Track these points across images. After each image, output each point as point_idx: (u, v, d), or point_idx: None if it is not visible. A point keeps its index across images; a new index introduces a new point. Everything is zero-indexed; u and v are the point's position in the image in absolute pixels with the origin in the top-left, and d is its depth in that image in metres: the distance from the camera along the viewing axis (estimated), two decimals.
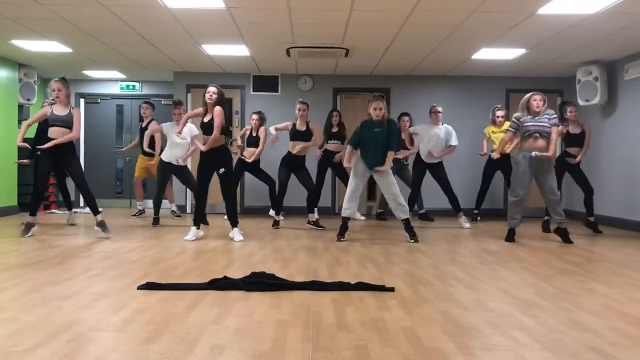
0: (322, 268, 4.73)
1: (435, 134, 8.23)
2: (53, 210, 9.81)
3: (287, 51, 8.02)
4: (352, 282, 4.06)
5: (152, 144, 8.31)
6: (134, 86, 11.01)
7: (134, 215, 8.94)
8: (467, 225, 7.81)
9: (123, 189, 11.22)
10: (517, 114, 6.45)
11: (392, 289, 3.89)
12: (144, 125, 8.62)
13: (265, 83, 9.97)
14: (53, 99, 6.49)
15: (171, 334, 2.85)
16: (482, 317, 3.25)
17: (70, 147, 6.37)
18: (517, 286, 4.13)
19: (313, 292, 3.80)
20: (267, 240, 6.44)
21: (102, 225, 6.38)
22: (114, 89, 11.01)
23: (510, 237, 6.50)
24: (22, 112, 9.60)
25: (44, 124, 6.61)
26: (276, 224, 7.65)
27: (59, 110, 6.34)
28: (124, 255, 5.29)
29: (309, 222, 7.57)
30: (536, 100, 6.29)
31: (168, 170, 7.88)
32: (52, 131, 6.32)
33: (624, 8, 5.74)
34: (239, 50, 8.08)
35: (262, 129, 8.22)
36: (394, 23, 6.48)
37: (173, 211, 8.93)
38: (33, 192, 6.56)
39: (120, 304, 3.42)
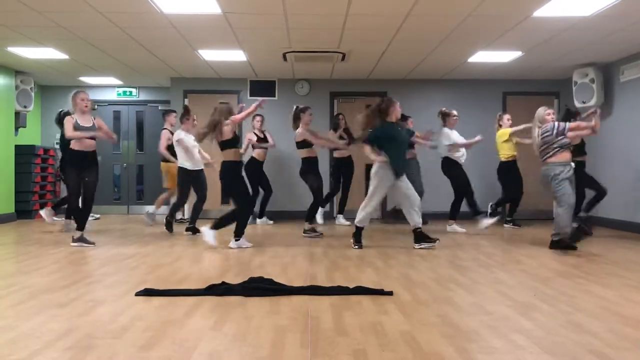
0: (321, 273, 4.72)
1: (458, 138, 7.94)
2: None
3: (284, 56, 8.03)
4: (351, 286, 4.05)
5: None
6: (130, 92, 11.00)
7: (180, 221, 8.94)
8: (461, 230, 7.74)
9: (121, 195, 11.20)
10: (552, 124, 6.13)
11: (390, 293, 3.89)
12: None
13: (262, 88, 9.97)
14: (69, 110, 6.43)
15: (169, 340, 2.84)
16: (481, 320, 3.25)
17: (94, 158, 6.27)
18: (516, 289, 4.12)
19: (311, 297, 3.79)
20: (265, 245, 6.42)
21: (82, 239, 6.25)
22: (111, 95, 11.00)
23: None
24: (19, 119, 9.58)
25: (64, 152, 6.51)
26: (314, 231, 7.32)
27: (85, 122, 6.18)
28: (122, 262, 5.27)
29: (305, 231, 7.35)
30: (550, 114, 6.16)
31: (188, 176, 7.62)
32: (84, 143, 6.18)
33: (620, 10, 5.75)
34: (236, 56, 8.09)
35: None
36: (390, 27, 6.49)
37: (151, 213, 8.77)
38: (69, 206, 6.34)
39: (118, 311, 3.41)
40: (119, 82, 10.53)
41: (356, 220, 6.22)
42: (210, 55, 8.08)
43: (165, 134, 8.31)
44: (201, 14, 6.00)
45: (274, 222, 8.92)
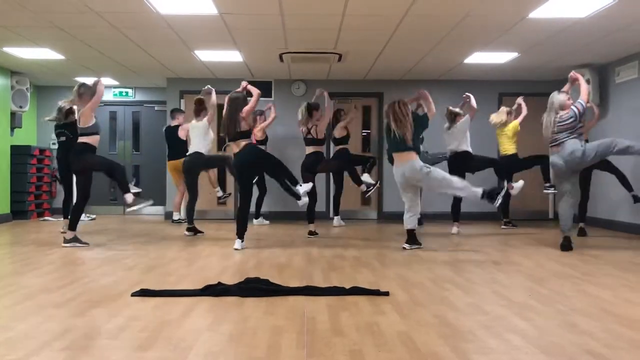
0: (317, 273, 4.72)
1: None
2: (46, 218, 9.76)
3: (280, 57, 8.03)
4: (347, 286, 4.05)
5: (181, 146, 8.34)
6: (127, 92, 10.97)
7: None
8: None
9: (117, 196, 11.15)
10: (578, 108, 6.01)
11: (386, 294, 3.89)
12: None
13: (259, 88, 9.74)
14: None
15: (165, 340, 2.84)
16: (477, 320, 3.25)
17: None
18: (512, 289, 4.13)
19: (308, 298, 3.79)
20: (261, 245, 6.42)
21: (75, 239, 6.22)
22: (107, 96, 10.90)
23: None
24: (15, 119, 9.55)
25: (66, 151, 6.53)
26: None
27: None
28: (118, 263, 5.26)
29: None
30: (570, 99, 6.04)
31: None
32: (95, 139, 6.30)
33: (615, 11, 5.77)
34: (232, 56, 8.08)
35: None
36: (386, 28, 6.50)
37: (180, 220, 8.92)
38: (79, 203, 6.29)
39: (114, 312, 3.40)
40: (115, 83, 10.50)
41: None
42: (207, 55, 8.08)
43: (185, 127, 8.41)
44: (197, 15, 5.99)
45: (269, 222, 8.91)
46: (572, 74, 6.28)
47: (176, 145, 8.65)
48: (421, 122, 6.10)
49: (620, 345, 2.80)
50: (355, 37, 6.91)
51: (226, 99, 6.28)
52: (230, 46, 7.45)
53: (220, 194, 8.76)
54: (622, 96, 8.22)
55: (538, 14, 5.86)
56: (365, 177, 7.91)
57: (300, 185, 6.30)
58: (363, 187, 7.69)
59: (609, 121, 8.46)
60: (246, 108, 6.14)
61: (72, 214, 6.31)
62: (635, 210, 7.73)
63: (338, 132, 8.70)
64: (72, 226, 6.22)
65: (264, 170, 6.61)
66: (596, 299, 3.80)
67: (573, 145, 5.88)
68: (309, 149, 7.65)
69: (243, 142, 6.09)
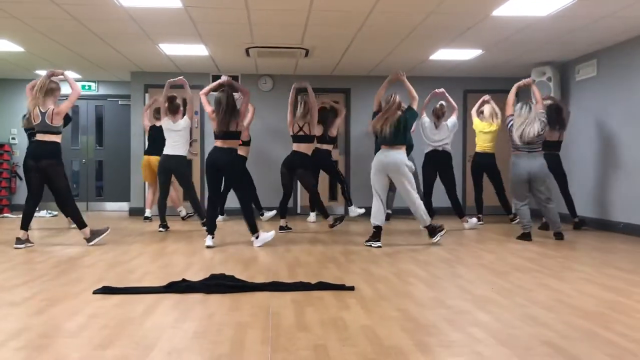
0: (283, 269, 4.72)
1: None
2: (6, 215, 9.50)
3: (247, 51, 7.97)
4: (313, 282, 4.06)
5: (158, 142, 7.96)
6: (90, 86, 10.73)
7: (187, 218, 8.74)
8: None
9: (79, 192, 10.92)
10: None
11: (352, 288, 3.91)
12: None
13: None
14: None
15: (127, 338, 2.80)
16: (440, 314, 3.30)
17: None
18: (474, 283, 4.20)
19: (273, 293, 3.79)
20: (228, 241, 6.37)
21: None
22: (69, 90, 10.70)
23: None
24: None
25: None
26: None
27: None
28: (79, 260, 5.16)
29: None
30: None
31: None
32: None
33: (574, 11, 5.91)
34: (198, 50, 7.99)
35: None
36: (353, 24, 6.51)
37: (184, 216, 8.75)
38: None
39: (74, 310, 3.33)
40: (78, 76, 10.26)
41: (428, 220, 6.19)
42: (172, 49, 7.96)
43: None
44: (161, 8, 5.90)
45: (226, 216, 8.65)
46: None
47: (160, 142, 7.85)
48: (413, 114, 6.16)
49: (576, 336, 2.88)
50: (321, 32, 6.90)
51: (221, 94, 5.98)
52: (195, 40, 7.36)
53: (183, 213, 8.69)
54: (582, 94, 8.42)
55: (501, 11, 5.96)
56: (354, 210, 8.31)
57: (257, 238, 5.99)
58: (330, 220, 7.44)
59: (569, 118, 8.64)
60: (242, 109, 6.03)
61: (73, 214, 6.04)
62: (589, 206, 7.95)
63: (335, 130, 8.38)
64: (81, 226, 6.01)
65: (230, 182, 6.17)
66: (554, 292, 3.89)
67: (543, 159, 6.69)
68: (300, 147, 7.33)
69: (230, 142, 5.95)
